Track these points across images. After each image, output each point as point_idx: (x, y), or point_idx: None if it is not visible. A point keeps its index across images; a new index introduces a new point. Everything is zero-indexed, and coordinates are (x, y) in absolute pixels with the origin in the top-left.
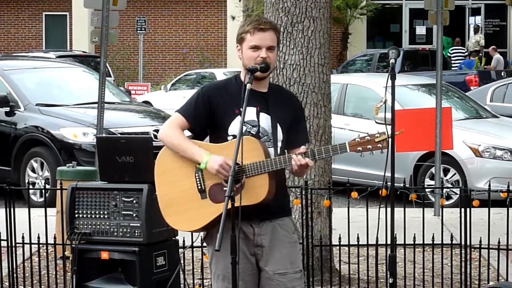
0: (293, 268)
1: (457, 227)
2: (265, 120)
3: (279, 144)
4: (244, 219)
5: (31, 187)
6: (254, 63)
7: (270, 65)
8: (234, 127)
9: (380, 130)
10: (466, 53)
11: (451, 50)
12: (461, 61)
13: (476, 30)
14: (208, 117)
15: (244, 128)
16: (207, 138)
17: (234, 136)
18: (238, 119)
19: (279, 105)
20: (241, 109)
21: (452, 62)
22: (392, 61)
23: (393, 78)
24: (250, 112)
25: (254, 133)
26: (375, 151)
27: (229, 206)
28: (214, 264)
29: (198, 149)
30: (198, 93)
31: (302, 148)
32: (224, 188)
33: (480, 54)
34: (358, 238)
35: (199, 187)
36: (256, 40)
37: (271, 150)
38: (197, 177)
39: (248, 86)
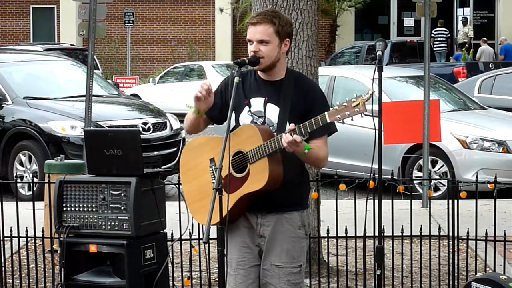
0: (292, 262)
1: (445, 219)
2: (272, 111)
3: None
4: (252, 209)
5: (19, 180)
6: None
7: (261, 58)
8: (243, 117)
9: (357, 95)
10: (449, 35)
11: (434, 31)
12: (444, 43)
13: (464, 23)
14: (222, 107)
15: (251, 118)
16: None
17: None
18: (246, 109)
19: (290, 95)
20: (251, 100)
21: (435, 44)
22: (379, 53)
23: (380, 70)
24: (258, 103)
25: (260, 123)
26: (355, 116)
27: (240, 196)
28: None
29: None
30: (219, 85)
31: (291, 125)
32: (236, 176)
33: (467, 45)
34: (346, 230)
35: (213, 181)
36: (248, 34)
37: None
38: (211, 171)
39: (236, 79)
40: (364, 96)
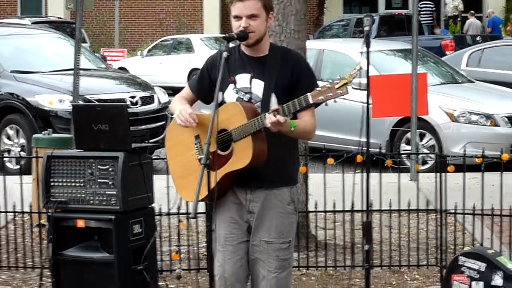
0: (281, 238)
1: (433, 192)
2: (258, 87)
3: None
4: (240, 185)
5: (6, 154)
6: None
7: (251, 33)
8: (228, 95)
9: (340, 76)
10: (434, 9)
11: (420, 4)
12: (429, 16)
13: None
14: (211, 85)
15: (237, 95)
16: None
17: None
18: (231, 86)
19: (276, 69)
20: (236, 76)
21: (420, 16)
22: (366, 28)
23: (367, 46)
24: (244, 79)
25: (246, 100)
26: (338, 98)
27: (224, 173)
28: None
29: (180, 106)
30: (204, 64)
31: (274, 106)
32: (220, 153)
33: (459, 19)
34: (334, 204)
35: (199, 157)
36: (236, 10)
37: None
38: (196, 148)
39: (224, 54)
40: (352, 71)
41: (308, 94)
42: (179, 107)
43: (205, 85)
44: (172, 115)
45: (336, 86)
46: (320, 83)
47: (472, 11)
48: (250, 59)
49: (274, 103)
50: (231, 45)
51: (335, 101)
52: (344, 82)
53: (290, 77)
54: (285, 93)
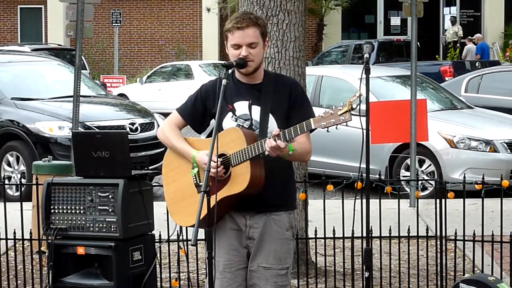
0: (280, 264)
1: (433, 218)
2: (257, 113)
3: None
4: (239, 210)
5: (6, 181)
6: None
7: (250, 62)
8: (227, 122)
9: (343, 103)
10: None
11: None
12: None
13: (453, 22)
14: (205, 114)
15: (236, 123)
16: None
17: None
18: (230, 115)
19: (272, 94)
20: (234, 104)
21: None
22: (366, 55)
23: (367, 72)
24: (243, 106)
25: (247, 127)
26: (339, 125)
27: (220, 197)
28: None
29: (187, 149)
30: (197, 91)
31: (276, 131)
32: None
33: (458, 45)
34: (334, 230)
35: (195, 182)
36: (236, 39)
37: None
38: (193, 173)
39: (224, 81)
40: (352, 98)
41: (311, 119)
42: (185, 148)
43: (198, 113)
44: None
45: (339, 113)
46: (319, 109)
47: (470, 37)
48: (247, 86)
49: (274, 127)
50: (214, 71)
51: (336, 128)
52: (346, 109)
53: (288, 99)
54: (284, 116)
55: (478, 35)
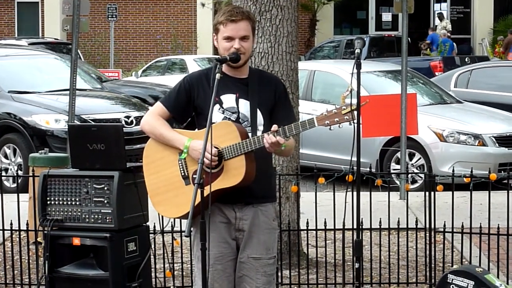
0: (268, 254)
1: (422, 211)
2: (244, 106)
3: (260, 128)
4: (227, 203)
5: (3, 173)
6: (228, 53)
7: (242, 55)
8: (214, 115)
9: (347, 102)
10: None
11: None
12: None
13: (440, 18)
14: (189, 105)
15: (223, 115)
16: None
17: (214, 123)
18: (217, 107)
19: (259, 90)
20: (221, 97)
21: None
22: (357, 51)
23: (358, 67)
24: (230, 99)
25: (234, 119)
26: (343, 123)
27: (213, 190)
28: (196, 246)
29: (178, 136)
30: (180, 83)
31: (274, 127)
32: (208, 170)
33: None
34: (325, 222)
35: (183, 174)
36: (229, 31)
37: (251, 135)
38: (180, 164)
39: (218, 75)
40: (344, 93)
41: (314, 117)
42: (176, 136)
43: (181, 104)
44: (181, 152)
45: (343, 112)
46: (311, 103)
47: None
48: (233, 80)
49: (260, 121)
50: (208, 66)
51: (340, 126)
52: (350, 109)
53: (273, 97)
54: (268, 111)
55: (447, 31)
